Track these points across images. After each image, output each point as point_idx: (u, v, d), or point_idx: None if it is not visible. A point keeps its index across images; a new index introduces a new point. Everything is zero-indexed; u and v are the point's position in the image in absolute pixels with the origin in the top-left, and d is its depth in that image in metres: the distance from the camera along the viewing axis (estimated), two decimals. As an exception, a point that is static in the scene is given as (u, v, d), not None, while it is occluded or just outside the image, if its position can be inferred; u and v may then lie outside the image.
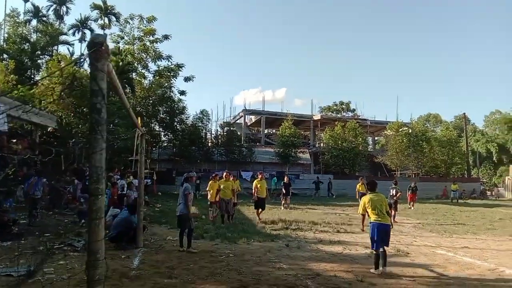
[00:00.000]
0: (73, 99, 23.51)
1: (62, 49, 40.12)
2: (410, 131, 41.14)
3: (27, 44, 32.79)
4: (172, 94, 33.41)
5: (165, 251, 8.50)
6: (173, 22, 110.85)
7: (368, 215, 7.33)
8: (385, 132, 46.38)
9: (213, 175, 14.53)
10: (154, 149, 34.27)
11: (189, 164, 32.27)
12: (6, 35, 35.89)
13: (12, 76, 24.57)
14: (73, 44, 41.19)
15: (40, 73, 31.38)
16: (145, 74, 33.85)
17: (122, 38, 32.99)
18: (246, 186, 24.80)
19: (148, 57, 32.99)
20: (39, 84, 21.89)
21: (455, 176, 42.80)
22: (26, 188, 12.03)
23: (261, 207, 14.52)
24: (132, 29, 32.76)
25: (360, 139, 39.56)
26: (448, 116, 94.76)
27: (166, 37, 32.84)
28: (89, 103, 2.99)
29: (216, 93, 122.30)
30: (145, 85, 33.35)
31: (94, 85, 2.85)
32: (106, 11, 33.98)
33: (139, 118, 9.51)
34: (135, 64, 32.62)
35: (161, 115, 32.57)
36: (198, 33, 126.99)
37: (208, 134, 39.53)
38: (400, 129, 41.02)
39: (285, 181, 19.63)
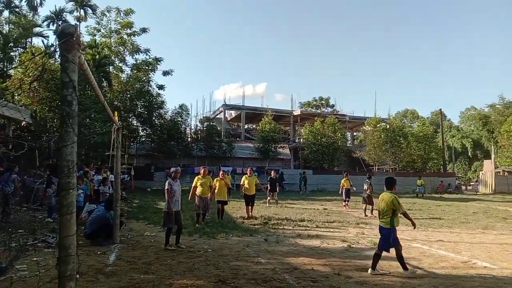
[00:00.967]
0: (48, 93, 22.95)
1: (36, 42, 39.08)
2: (387, 126, 41.82)
3: (-1, 36, 31.80)
4: (150, 88, 33.02)
5: (142, 247, 8.40)
6: (152, 15, 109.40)
7: (393, 215, 6.68)
8: (363, 127, 46.98)
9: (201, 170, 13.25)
10: (132, 144, 33.82)
11: (168, 160, 31.98)
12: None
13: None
14: (47, 37, 40.16)
15: (13, 66, 30.53)
16: (123, 68, 33.41)
17: (99, 31, 32.41)
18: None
19: (125, 50, 32.54)
20: (12, 77, 21.32)
21: (432, 171, 43.78)
22: (-1, 184, 11.68)
23: (251, 203, 13.76)
24: (109, 22, 32.23)
25: (339, 134, 39.97)
26: (425, 112, 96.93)
27: (144, 30, 32.43)
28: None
29: (196, 87, 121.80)
30: (122, 79, 32.84)
31: (65, 77, 2.77)
32: (81, 3, 33.20)
33: (115, 112, 9.36)
34: (112, 57, 32.10)
35: (139, 110, 32.10)
36: (178, 26, 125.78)
37: (188, 129, 39.20)
38: (378, 125, 41.70)
39: (272, 175, 19.00)
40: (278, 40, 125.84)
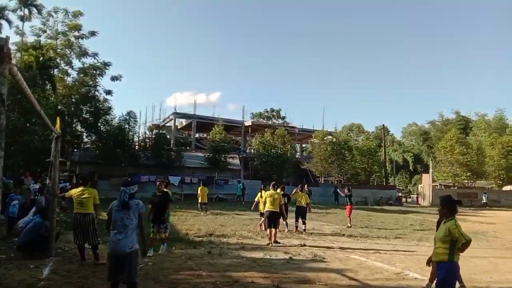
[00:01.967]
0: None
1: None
2: (334, 139, 43.24)
3: None
4: (97, 93, 31.92)
5: (79, 260, 8.05)
6: (103, 19, 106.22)
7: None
8: (312, 140, 48.23)
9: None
10: (75, 150, 32.45)
11: (113, 167, 30.97)
12: None
13: None
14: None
15: None
16: (68, 71, 32.04)
17: (44, 31, 30.97)
18: (174, 191, 24.34)
19: (72, 53, 31.28)
20: None
21: (374, 183, 45.70)
22: None
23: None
24: (56, 23, 30.91)
25: (289, 146, 40.76)
26: (370, 126, 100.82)
27: (93, 33, 31.37)
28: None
29: (146, 94, 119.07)
30: (68, 82, 31.54)
31: (-7, 89, 2.69)
32: (26, 1, 31.62)
33: (58, 118, 8.97)
34: (58, 60, 30.76)
35: (84, 115, 30.90)
36: (129, 32, 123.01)
37: (135, 136, 38.23)
38: (325, 138, 42.99)
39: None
40: (234, 48, 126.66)
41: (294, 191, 15.04)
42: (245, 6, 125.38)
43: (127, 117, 33.72)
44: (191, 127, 47.91)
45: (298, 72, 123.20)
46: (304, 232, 13.63)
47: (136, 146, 37.58)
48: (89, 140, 32.89)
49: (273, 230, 11.02)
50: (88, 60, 31.77)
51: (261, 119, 59.21)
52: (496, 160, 42.47)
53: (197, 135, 51.01)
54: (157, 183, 9.60)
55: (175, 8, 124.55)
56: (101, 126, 31.71)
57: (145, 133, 41.87)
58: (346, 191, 17.62)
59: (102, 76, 32.21)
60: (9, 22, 30.92)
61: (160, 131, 38.70)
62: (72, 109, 29.75)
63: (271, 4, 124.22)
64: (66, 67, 31.70)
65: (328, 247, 10.95)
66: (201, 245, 10.40)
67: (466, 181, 44.55)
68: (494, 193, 43.00)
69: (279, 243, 11.12)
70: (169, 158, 34.15)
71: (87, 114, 30.94)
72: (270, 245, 10.69)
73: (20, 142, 20.64)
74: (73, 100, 30.10)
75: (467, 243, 4.73)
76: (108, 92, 32.46)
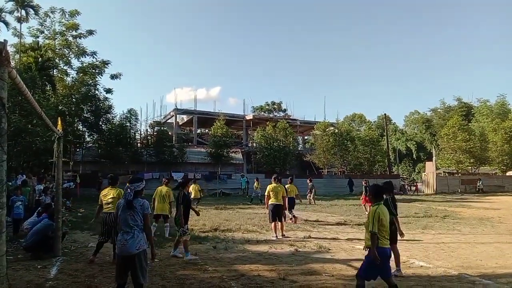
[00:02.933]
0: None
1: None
2: (336, 131, 43.17)
3: None
4: (97, 92, 31.93)
5: (86, 259, 8.09)
6: (100, 17, 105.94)
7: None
8: (314, 131, 48.21)
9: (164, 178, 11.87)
10: (77, 150, 32.52)
11: (116, 166, 31.05)
12: None
13: None
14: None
15: None
16: (68, 71, 32.06)
17: (42, 32, 31.01)
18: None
19: (71, 53, 31.28)
20: None
21: (378, 173, 45.64)
22: None
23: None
24: (53, 23, 30.89)
25: (291, 138, 40.74)
26: (372, 116, 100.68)
27: (90, 32, 31.39)
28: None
29: (146, 91, 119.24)
30: (67, 82, 31.56)
31: (-8, 93, 2.69)
32: (22, 3, 31.54)
33: (60, 118, 8.97)
34: (57, 60, 30.77)
35: (85, 114, 30.95)
36: (127, 29, 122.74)
37: (137, 134, 38.27)
38: (327, 129, 42.92)
39: None
40: (235, 44, 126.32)
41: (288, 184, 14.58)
42: (244, 0, 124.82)
43: (128, 115, 33.78)
44: (192, 123, 47.96)
45: (298, 64, 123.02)
46: (291, 220, 13.95)
47: (138, 144, 37.63)
48: (91, 139, 32.98)
49: (279, 223, 11.06)
50: (87, 59, 31.86)
51: (262, 113, 59.16)
52: (499, 146, 42.36)
53: (198, 131, 51.04)
54: (184, 181, 8.73)
55: (173, 2, 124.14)
56: (103, 125, 31.81)
57: (146, 130, 41.97)
58: (363, 183, 21.16)
59: (102, 75, 32.34)
60: (7, 24, 30.90)
61: (162, 128, 38.71)
62: (73, 109, 29.81)
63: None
64: (65, 67, 31.80)
65: (333, 238, 10.97)
66: (206, 240, 10.45)
67: (470, 167, 44.47)
68: (498, 178, 42.97)
69: (285, 236, 11.15)
70: (171, 154, 34.22)
71: (88, 114, 31.02)
72: (276, 238, 10.71)
73: (22, 143, 20.67)
74: (74, 99, 30.15)
75: (371, 234, 4.83)
76: (108, 91, 32.53)
